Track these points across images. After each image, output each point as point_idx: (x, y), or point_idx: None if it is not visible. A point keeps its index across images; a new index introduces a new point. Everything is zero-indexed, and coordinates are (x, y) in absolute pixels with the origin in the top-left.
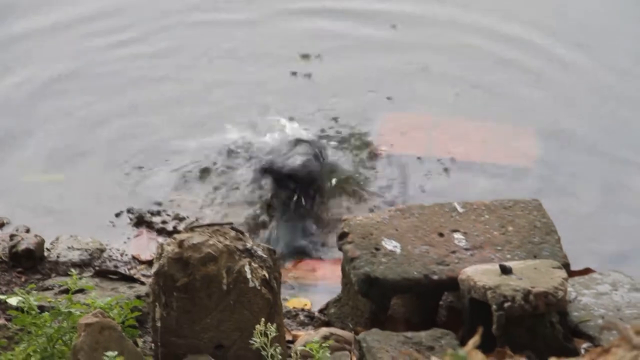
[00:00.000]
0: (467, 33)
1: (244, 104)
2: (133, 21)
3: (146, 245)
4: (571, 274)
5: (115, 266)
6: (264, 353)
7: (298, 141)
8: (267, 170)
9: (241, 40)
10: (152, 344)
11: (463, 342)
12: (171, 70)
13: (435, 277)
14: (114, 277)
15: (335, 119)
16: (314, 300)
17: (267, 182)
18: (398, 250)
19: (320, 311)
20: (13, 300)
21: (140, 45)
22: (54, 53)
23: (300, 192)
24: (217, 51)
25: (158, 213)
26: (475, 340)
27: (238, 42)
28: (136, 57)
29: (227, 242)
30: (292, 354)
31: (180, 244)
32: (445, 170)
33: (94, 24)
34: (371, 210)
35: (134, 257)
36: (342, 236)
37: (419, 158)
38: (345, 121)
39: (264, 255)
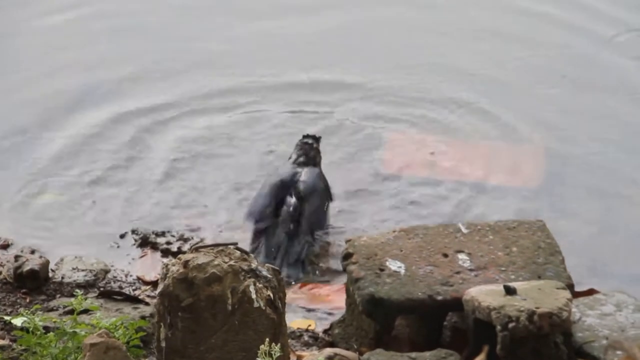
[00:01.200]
0: (471, 50)
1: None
2: None
3: (151, 266)
4: (575, 294)
5: (120, 287)
6: None
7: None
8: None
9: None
10: None
11: None
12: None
13: (439, 297)
14: (119, 297)
15: (341, 136)
16: (318, 321)
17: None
18: (402, 271)
19: (325, 332)
20: (18, 321)
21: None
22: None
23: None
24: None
25: (163, 234)
26: (481, 358)
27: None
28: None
29: (232, 263)
30: None
31: (185, 264)
32: (449, 190)
33: None
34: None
35: (138, 278)
36: (347, 257)
37: (423, 179)
38: (351, 141)
39: (269, 276)
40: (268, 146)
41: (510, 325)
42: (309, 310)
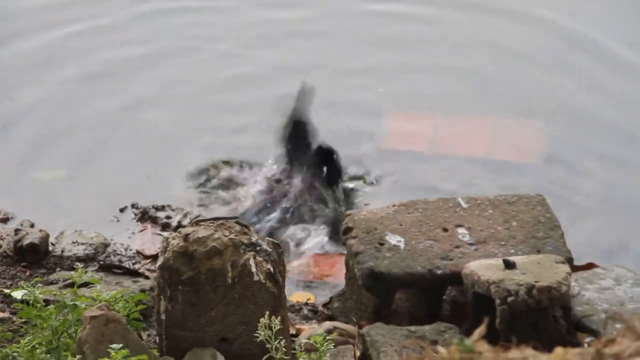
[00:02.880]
0: (473, 26)
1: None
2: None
3: (150, 240)
4: (574, 268)
5: (120, 261)
6: (268, 346)
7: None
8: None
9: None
10: (157, 337)
11: (467, 336)
12: (175, 66)
13: (439, 271)
14: (119, 271)
15: (340, 115)
16: (317, 295)
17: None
18: (402, 245)
19: (324, 305)
20: (18, 294)
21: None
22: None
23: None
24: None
25: (162, 208)
26: (481, 330)
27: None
28: (135, 54)
29: (232, 236)
30: (296, 348)
31: (186, 237)
32: (449, 165)
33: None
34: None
35: (138, 252)
36: (346, 231)
37: (422, 153)
38: (350, 117)
39: (269, 249)
40: None
41: (510, 299)
42: (309, 283)
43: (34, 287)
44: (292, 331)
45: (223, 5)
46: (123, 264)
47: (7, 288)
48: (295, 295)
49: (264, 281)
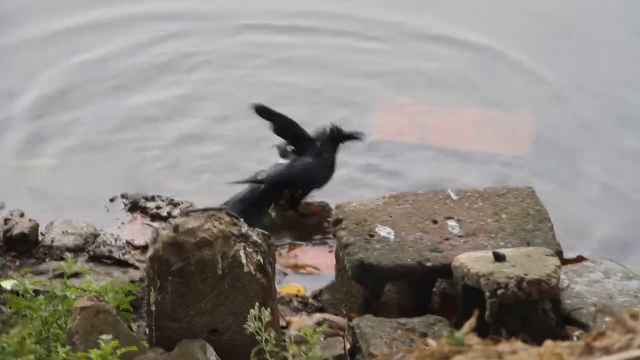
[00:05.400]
0: (460, 20)
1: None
2: None
3: (140, 231)
4: (564, 261)
5: (110, 251)
6: (257, 338)
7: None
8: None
9: None
10: (147, 328)
11: (456, 329)
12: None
13: (428, 263)
14: (108, 261)
15: (329, 105)
16: (307, 287)
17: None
18: (392, 237)
19: (314, 297)
20: (8, 284)
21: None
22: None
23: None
24: None
25: (152, 198)
26: (471, 323)
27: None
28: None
29: (222, 227)
30: (286, 339)
31: (176, 228)
32: (439, 157)
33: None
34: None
35: (128, 242)
36: (337, 222)
37: (413, 145)
38: (339, 108)
39: (259, 240)
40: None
41: (499, 291)
42: (297, 274)
43: (23, 278)
44: (282, 323)
45: None
46: (113, 255)
47: None
48: (285, 287)
49: (254, 272)
